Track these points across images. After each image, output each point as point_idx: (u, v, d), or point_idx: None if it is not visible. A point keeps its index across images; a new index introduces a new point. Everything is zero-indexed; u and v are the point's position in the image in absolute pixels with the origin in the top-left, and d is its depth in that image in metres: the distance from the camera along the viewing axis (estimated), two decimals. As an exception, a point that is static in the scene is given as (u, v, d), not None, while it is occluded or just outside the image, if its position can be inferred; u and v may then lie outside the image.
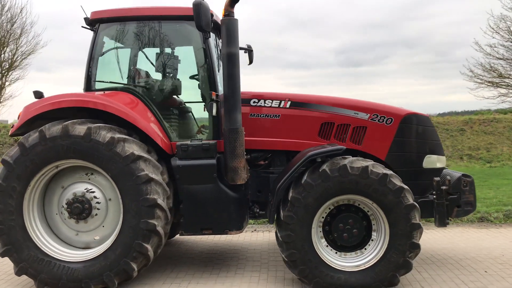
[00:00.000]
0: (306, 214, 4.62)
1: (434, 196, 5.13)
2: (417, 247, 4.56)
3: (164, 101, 5.42)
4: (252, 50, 6.90)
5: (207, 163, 4.95)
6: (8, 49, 21.27)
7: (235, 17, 5.71)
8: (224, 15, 4.89)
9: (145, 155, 4.75)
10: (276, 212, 4.80)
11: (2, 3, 19.20)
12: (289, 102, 5.54)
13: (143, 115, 5.05)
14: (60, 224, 5.05)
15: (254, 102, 5.59)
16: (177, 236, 6.88)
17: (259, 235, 7.31)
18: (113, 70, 5.45)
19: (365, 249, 4.82)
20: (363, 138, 5.39)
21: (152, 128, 4.99)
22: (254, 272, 5.39)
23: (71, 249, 4.98)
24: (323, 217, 4.81)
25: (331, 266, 4.68)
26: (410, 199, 4.57)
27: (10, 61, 21.34)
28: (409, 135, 5.38)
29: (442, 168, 5.57)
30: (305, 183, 4.61)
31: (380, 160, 5.34)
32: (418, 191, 5.36)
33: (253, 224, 7.94)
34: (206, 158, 4.97)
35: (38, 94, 5.13)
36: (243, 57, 6.84)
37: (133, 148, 4.73)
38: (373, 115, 5.39)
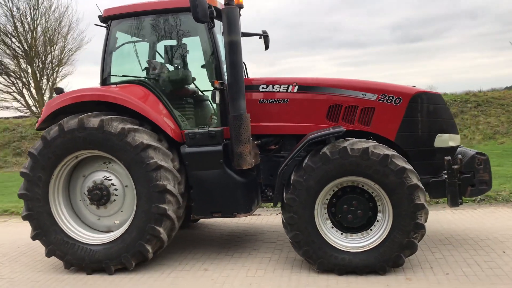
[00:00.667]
0: (308, 196, 4.70)
1: (446, 176, 5.04)
2: (421, 227, 4.52)
3: (175, 91, 5.64)
4: (267, 36, 6.96)
5: (214, 149, 5.14)
6: (57, 47, 22.42)
7: (242, 2, 5.98)
8: (225, 4, 5.00)
9: (155, 144, 5.01)
10: (280, 195, 4.92)
11: (50, 2, 20.10)
12: (296, 87, 5.59)
13: (153, 105, 5.30)
14: (84, 210, 5.46)
15: (263, 88, 5.68)
16: (203, 219, 7.18)
17: (278, 218, 7.44)
18: (126, 63, 5.74)
19: (371, 230, 4.83)
20: (371, 119, 5.35)
21: (162, 118, 5.23)
22: (267, 253, 5.56)
23: (93, 233, 5.38)
24: (327, 199, 4.87)
25: (335, 247, 4.75)
26: (413, 179, 4.52)
27: (59, 58, 22.47)
28: (419, 114, 5.26)
29: (456, 147, 5.42)
30: (306, 166, 4.69)
31: (389, 141, 5.31)
32: (430, 170, 5.28)
33: (271, 207, 8.00)
34: (213, 144, 5.16)
35: (58, 90, 5.52)
36: (259, 43, 7.00)
37: (143, 137, 5.00)
38: (381, 96, 5.32)
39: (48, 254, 5.29)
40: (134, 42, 5.75)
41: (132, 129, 4.99)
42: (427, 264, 4.89)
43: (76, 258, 5.19)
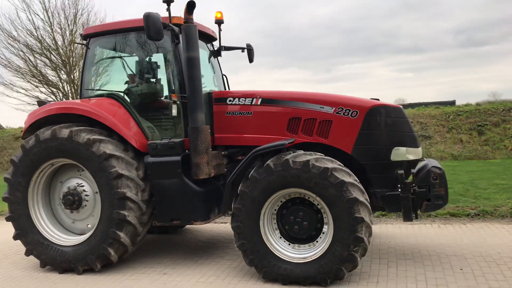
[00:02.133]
0: (253, 206, 4.84)
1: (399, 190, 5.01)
2: (361, 241, 4.53)
3: (147, 104, 5.96)
4: (251, 49, 7.17)
5: (172, 160, 5.39)
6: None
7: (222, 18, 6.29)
8: (184, 22, 5.27)
9: (117, 154, 5.35)
10: (228, 204, 5.09)
11: (87, 18, 20.51)
12: (260, 99, 5.76)
13: (121, 117, 5.64)
14: (61, 213, 5.90)
15: (229, 100, 5.90)
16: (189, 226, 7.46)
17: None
18: (104, 78, 6.16)
19: (317, 241, 4.89)
20: (329, 132, 5.41)
21: (126, 129, 5.56)
22: (230, 260, 5.73)
23: (68, 235, 5.80)
24: (275, 210, 4.99)
25: (279, 257, 4.85)
26: (353, 193, 4.54)
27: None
28: (376, 127, 5.27)
29: (415, 161, 5.35)
30: (251, 177, 4.84)
31: (346, 154, 5.35)
32: (387, 184, 5.27)
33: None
34: (172, 155, 5.42)
35: (40, 103, 6.03)
36: (243, 56, 7.22)
37: (108, 147, 5.35)
38: (338, 109, 5.37)
39: (27, 253, 5.77)
40: (109, 58, 6.16)
41: (98, 140, 5.36)
42: (375, 278, 4.87)
43: (50, 258, 5.62)
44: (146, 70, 5.94)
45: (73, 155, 5.45)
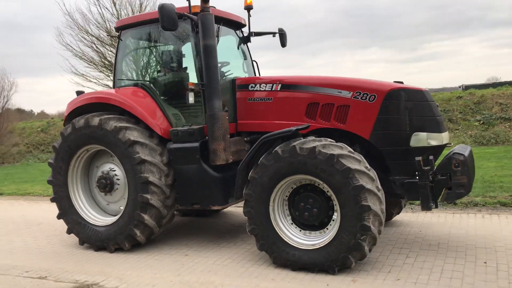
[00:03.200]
0: (262, 192, 4.88)
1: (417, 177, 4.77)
2: (367, 229, 4.39)
3: (173, 92, 6.17)
4: (283, 33, 7.12)
5: (191, 146, 5.56)
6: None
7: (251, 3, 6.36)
8: (200, 11, 5.37)
9: (142, 140, 5.63)
10: (240, 190, 5.17)
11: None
12: (279, 85, 5.73)
13: (147, 106, 5.90)
14: (98, 195, 6.35)
15: (251, 87, 5.94)
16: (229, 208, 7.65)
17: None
18: (135, 68, 6.46)
19: (327, 229, 4.83)
20: (346, 117, 5.27)
21: (151, 117, 5.81)
22: (250, 245, 5.81)
23: (103, 216, 6.24)
24: (286, 196, 4.99)
25: (288, 243, 4.86)
26: (360, 180, 4.41)
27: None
28: (394, 111, 5.04)
29: (438, 146, 5.04)
30: (261, 163, 4.87)
31: (364, 139, 5.19)
32: (406, 171, 5.05)
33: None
34: (191, 141, 5.59)
35: (79, 93, 6.48)
36: (275, 40, 7.19)
37: (133, 134, 5.65)
38: (356, 93, 5.20)
39: (68, 231, 6.31)
40: (139, 49, 6.44)
41: (124, 127, 5.67)
42: (388, 268, 4.72)
43: (86, 236, 6.11)
44: (172, 59, 6.13)
45: (103, 142, 5.82)
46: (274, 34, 7.06)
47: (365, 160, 4.68)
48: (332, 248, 4.60)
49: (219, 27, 6.16)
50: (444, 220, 6.46)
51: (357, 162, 4.56)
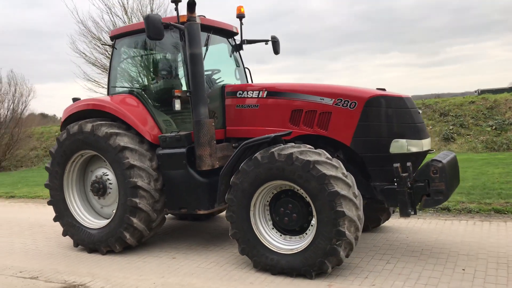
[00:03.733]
0: (243, 197, 4.98)
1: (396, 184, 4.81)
2: (342, 235, 4.45)
3: (164, 99, 6.32)
4: (276, 41, 7.22)
5: (178, 152, 5.70)
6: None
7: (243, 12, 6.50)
8: (187, 20, 5.51)
9: (131, 146, 5.79)
10: (222, 196, 5.27)
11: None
12: (265, 92, 5.84)
13: (138, 112, 6.07)
14: (92, 199, 6.55)
15: (239, 94, 6.06)
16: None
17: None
18: (127, 76, 6.64)
19: (306, 234, 4.90)
20: (328, 124, 5.34)
21: (140, 123, 5.97)
22: (236, 248, 5.91)
23: (96, 219, 6.42)
24: (267, 201, 5.08)
25: (267, 247, 4.94)
26: (336, 186, 4.47)
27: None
28: (374, 118, 5.09)
29: (420, 153, 5.07)
30: (241, 169, 4.98)
31: (346, 146, 5.25)
32: (386, 177, 5.08)
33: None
34: (179, 147, 5.73)
35: (74, 100, 6.70)
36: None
37: (123, 140, 5.82)
38: (338, 100, 5.27)
39: (63, 234, 6.51)
40: (132, 57, 6.63)
41: (115, 133, 5.85)
42: (366, 273, 4.75)
43: (80, 238, 6.30)
44: (163, 67, 6.29)
45: (95, 147, 6.02)
46: (266, 41, 7.17)
47: (343, 167, 4.75)
48: (309, 253, 4.67)
49: (208, 35, 6.31)
50: (434, 227, 6.45)
51: (333, 169, 4.62)
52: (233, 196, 5.04)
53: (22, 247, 6.87)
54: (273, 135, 4.97)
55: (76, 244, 6.41)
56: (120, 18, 18.26)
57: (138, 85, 6.42)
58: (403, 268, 4.84)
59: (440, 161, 4.71)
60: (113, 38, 6.62)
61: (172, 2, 5.69)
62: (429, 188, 4.74)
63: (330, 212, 4.48)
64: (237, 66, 7.08)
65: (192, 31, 5.44)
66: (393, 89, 5.42)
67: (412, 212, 4.80)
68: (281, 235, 5.05)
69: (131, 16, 18.23)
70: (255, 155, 4.91)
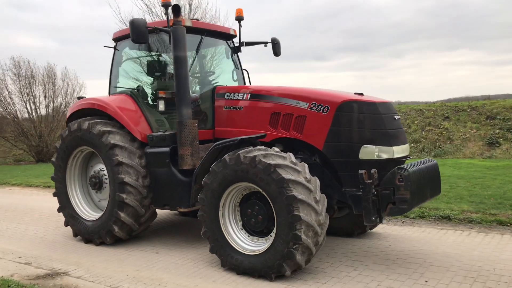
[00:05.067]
0: (212, 197, 5.12)
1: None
2: (298, 239, 4.48)
3: (156, 99, 6.57)
4: (276, 43, 7.28)
5: (162, 151, 5.93)
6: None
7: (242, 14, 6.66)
8: (172, 24, 5.72)
9: (121, 144, 6.10)
10: (195, 196, 5.43)
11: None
12: (249, 95, 5.93)
13: (130, 112, 6.36)
14: (92, 193, 6.95)
15: (227, 95, 6.20)
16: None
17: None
18: (126, 76, 6.96)
19: (270, 236, 4.95)
20: (303, 128, 5.35)
21: (131, 122, 6.26)
22: (219, 247, 6.07)
23: (94, 211, 6.80)
24: (238, 202, 5.18)
25: (233, 247, 5.05)
26: (294, 190, 4.50)
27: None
28: (345, 123, 5.06)
29: (390, 160, 4.96)
30: (212, 170, 5.12)
31: (318, 150, 5.25)
32: (355, 184, 5.01)
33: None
34: (163, 146, 5.97)
35: (79, 99, 7.12)
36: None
37: (115, 138, 6.14)
38: (312, 104, 5.28)
39: (65, 224, 6.97)
40: (131, 58, 6.94)
41: (108, 131, 6.19)
42: (328, 279, 4.75)
43: (77, 229, 6.72)
44: (157, 68, 6.53)
45: (91, 144, 6.39)
46: (266, 43, 7.25)
47: (307, 171, 4.75)
48: (269, 255, 4.74)
49: (201, 38, 6.49)
50: (424, 236, 6.26)
51: (295, 173, 4.65)
52: (204, 196, 5.19)
53: (32, 234, 7.42)
54: (239, 137, 5.07)
55: (75, 234, 6.85)
56: (160, 18, 18.91)
57: (134, 85, 6.72)
58: (367, 276, 4.79)
59: (406, 169, 4.61)
60: (115, 40, 6.97)
61: (162, 6, 5.93)
62: (394, 196, 4.65)
63: (287, 215, 4.53)
64: (236, 67, 7.22)
65: (177, 35, 5.64)
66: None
67: (377, 220, 4.73)
68: (249, 236, 5.15)
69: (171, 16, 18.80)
70: (223, 156, 5.03)
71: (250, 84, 7.22)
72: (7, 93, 24.23)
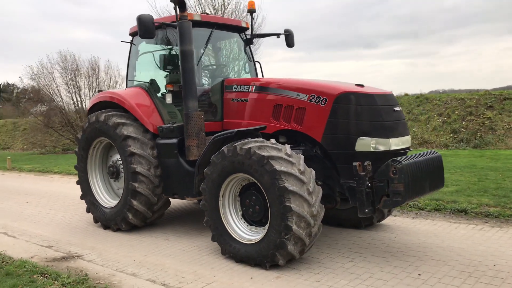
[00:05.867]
0: (213, 187, 5.28)
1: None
2: (290, 229, 4.56)
3: (169, 92, 6.77)
4: (289, 34, 7.30)
5: (171, 142, 6.15)
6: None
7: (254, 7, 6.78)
8: (179, 19, 5.88)
9: (134, 135, 6.37)
10: (197, 185, 5.60)
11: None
12: (254, 87, 6.02)
13: (143, 104, 6.61)
14: (112, 181, 7.30)
15: (234, 88, 6.32)
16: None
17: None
18: (142, 70, 7.21)
19: (267, 225, 5.05)
20: (303, 119, 5.39)
21: (144, 115, 6.50)
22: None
23: (112, 199, 7.15)
24: (237, 192, 5.31)
25: (232, 236, 5.20)
26: (285, 182, 4.57)
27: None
28: (343, 115, 5.05)
29: (388, 152, 4.91)
30: (212, 161, 5.27)
31: (317, 142, 5.28)
32: (352, 175, 5.00)
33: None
34: (172, 138, 6.18)
35: (98, 92, 7.46)
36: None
37: (128, 130, 6.43)
38: (311, 96, 5.31)
39: (87, 210, 7.37)
40: (146, 53, 7.17)
41: (122, 123, 6.48)
42: (321, 269, 4.81)
43: (97, 216, 7.10)
44: (171, 61, 6.72)
45: (107, 135, 6.71)
46: (278, 35, 7.28)
47: (301, 163, 4.80)
48: (263, 244, 4.85)
49: (211, 31, 6.62)
50: (434, 229, 6.15)
51: (288, 165, 4.72)
52: (205, 185, 5.36)
53: (59, 220, 7.91)
54: (236, 130, 5.18)
55: (95, 221, 7.24)
56: (193, 10, 19.26)
57: (148, 78, 6.96)
58: (361, 267, 4.80)
59: (400, 162, 4.57)
60: (131, 35, 7.24)
61: (171, 1, 6.09)
62: (388, 188, 4.63)
63: (279, 206, 4.61)
64: (248, 60, 7.31)
65: (183, 29, 5.80)
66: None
67: (371, 212, 4.72)
68: (248, 226, 5.28)
69: (204, 8, 19.11)
70: (222, 148, 5.17)
71: (262, 76, 7.29)
72: (54, 85, 25.57)
